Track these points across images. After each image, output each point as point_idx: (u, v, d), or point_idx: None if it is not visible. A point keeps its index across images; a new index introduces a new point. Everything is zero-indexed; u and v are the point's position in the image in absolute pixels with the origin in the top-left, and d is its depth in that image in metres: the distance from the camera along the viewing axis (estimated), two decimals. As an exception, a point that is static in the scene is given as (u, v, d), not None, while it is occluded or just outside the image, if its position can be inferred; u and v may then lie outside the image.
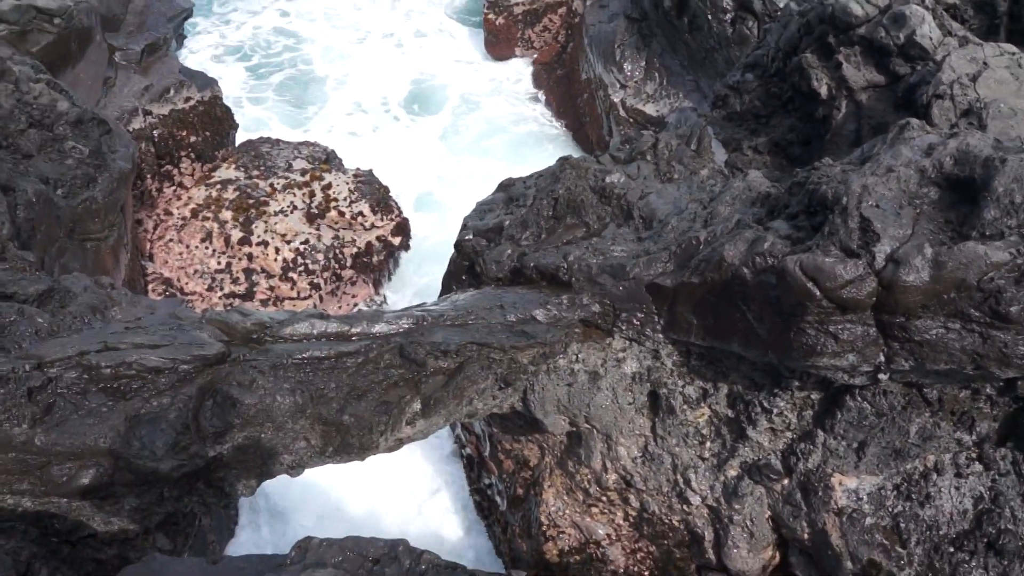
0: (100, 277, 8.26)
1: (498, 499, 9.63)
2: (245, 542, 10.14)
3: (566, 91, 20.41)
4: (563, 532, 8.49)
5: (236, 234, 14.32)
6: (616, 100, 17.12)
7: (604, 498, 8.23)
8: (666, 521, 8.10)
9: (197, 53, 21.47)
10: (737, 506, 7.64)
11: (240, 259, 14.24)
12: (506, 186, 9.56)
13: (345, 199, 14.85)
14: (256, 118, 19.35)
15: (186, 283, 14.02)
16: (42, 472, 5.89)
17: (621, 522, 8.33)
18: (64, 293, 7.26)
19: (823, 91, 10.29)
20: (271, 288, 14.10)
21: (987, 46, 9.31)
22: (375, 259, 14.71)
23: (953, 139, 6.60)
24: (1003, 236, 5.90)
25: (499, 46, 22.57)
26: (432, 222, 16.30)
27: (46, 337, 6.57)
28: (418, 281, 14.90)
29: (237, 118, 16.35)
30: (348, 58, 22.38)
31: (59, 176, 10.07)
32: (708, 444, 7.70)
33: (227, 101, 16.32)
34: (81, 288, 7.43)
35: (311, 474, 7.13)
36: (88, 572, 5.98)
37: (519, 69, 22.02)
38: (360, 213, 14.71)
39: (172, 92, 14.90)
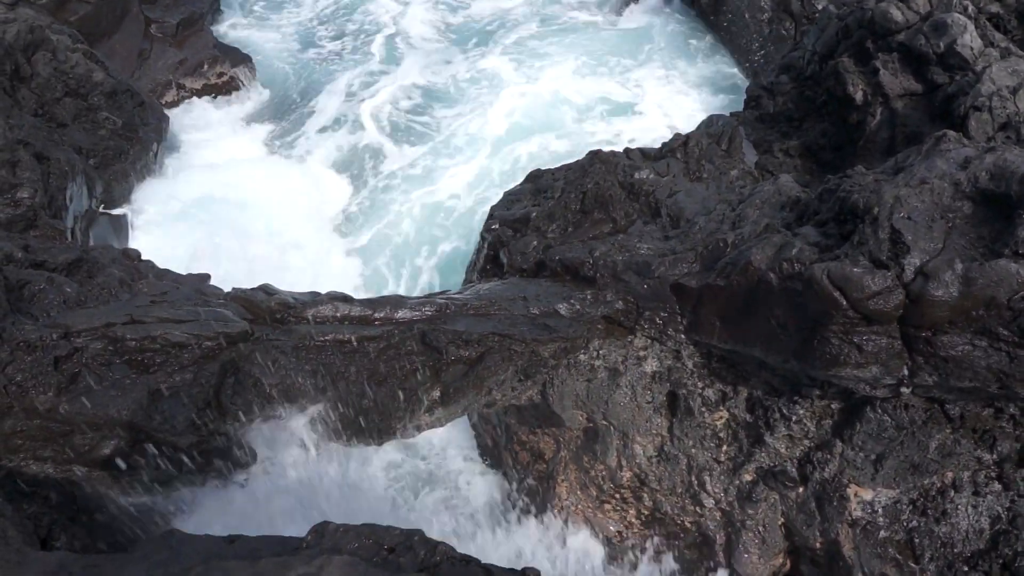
0: (128, 249, 8.35)
1: (511, 489, 9.67)
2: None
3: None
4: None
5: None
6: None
7: (617, 495, 8.23)
8: (678, 522, 8.10)
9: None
10: (750, 511, 7.62)
11: (266, 236, 14.32)
12: (534, 177, 9.55)
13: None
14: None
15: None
16: (65, 440, 5.98)
17: (633, 520, 8.34)
18: (93, 264, 7.33)
19: (858, 97, 10.17)
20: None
21: (1029, 59, 9.17)
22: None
23: (990, 153, 6.51)
24: (1036, 255, 5.83)
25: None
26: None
27: (74, 307, 6.64)
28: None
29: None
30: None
31: (92, 146, 10.18)
32: (725, 447, 7.68)
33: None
34: (109, 259, 7.50)
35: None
36: (106, 542, 6.07)
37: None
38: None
39: (206, 67, 14.96)
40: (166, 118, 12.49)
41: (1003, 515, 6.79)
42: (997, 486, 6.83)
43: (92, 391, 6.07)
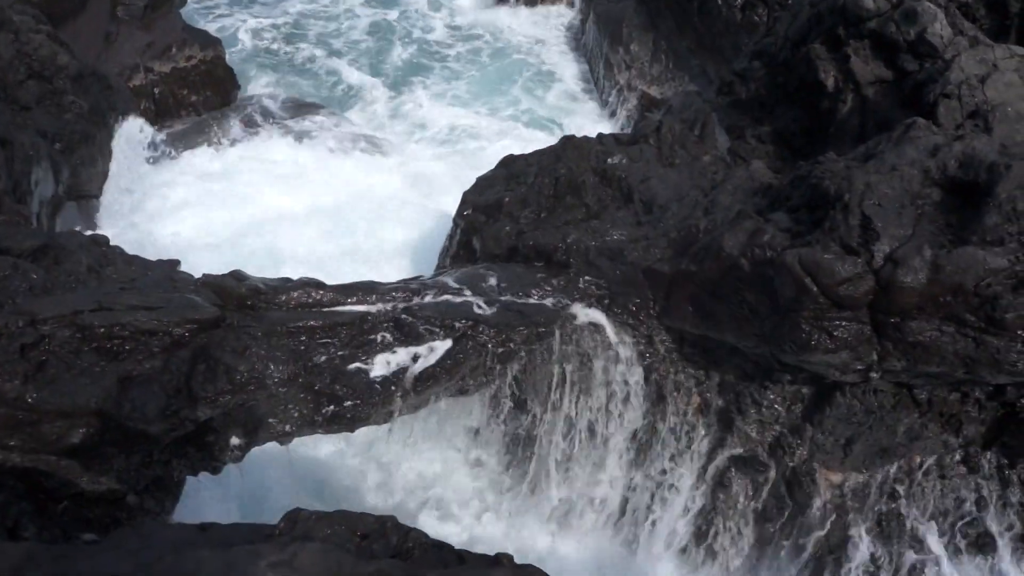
0: (96, 234, 8.22)
1: (484, 475, 9.67)
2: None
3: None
4: (548, 511, 8.54)
5: (233, 196, 14.23)
6: (621, 81, 17.02)
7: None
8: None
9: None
10: (722, 496, 7.69)
11: (236, 221, 14.15)
12: (507, 163, 9.50)
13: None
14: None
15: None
16: (33, 429, 5.89)
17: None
18: (59, 250, 7.20)
19: (829, 83, 10.22)
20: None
21: (998, 48, 9.24)
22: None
23: (959, 141, 6.59)
24: (1003, 243, 5.91)
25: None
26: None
27: (40, 294, 6.53)
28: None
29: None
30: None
31: (57, 130, 9.97)
32: (697, 432, 7.73)
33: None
34: (76, 245, 7.37)
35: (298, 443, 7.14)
36: (75, 532, 5.99)
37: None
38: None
39: (174, 50, 14.71)
40: (134, 101, 12.29)
41: (968, 497, 6.92)
42: (963, 469, 6.95)
43: (60, 379, 5.98)
